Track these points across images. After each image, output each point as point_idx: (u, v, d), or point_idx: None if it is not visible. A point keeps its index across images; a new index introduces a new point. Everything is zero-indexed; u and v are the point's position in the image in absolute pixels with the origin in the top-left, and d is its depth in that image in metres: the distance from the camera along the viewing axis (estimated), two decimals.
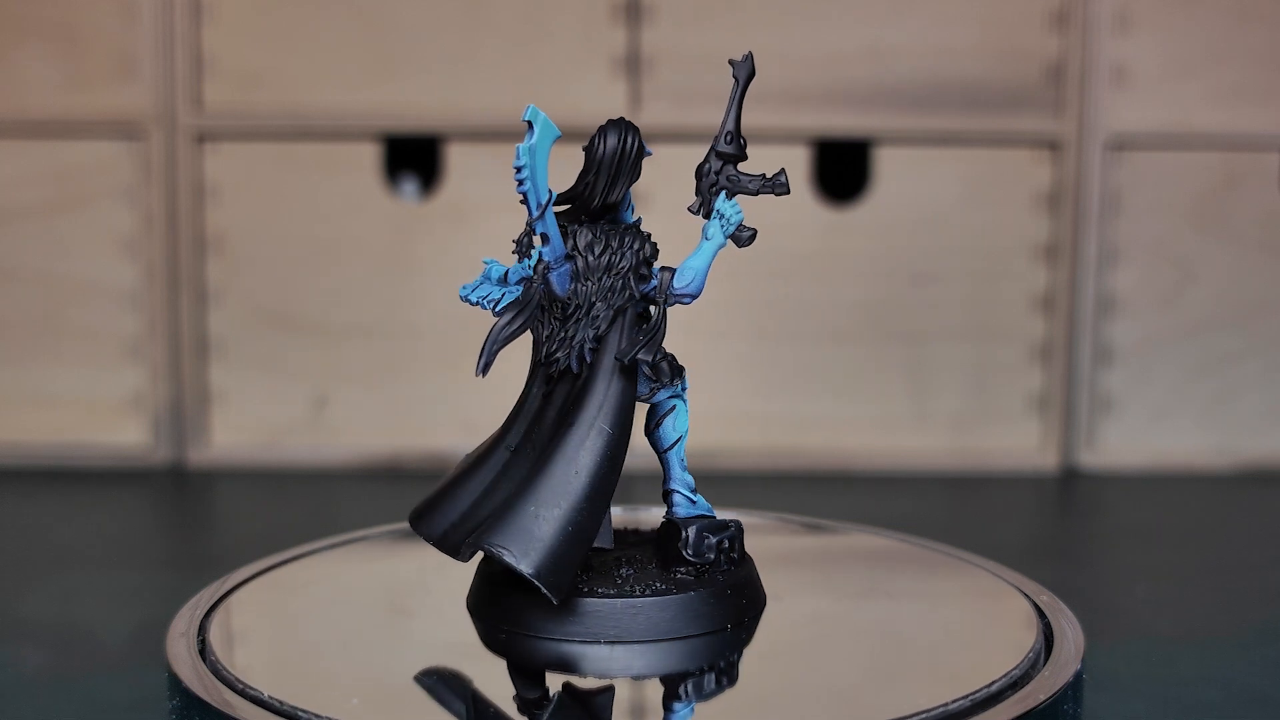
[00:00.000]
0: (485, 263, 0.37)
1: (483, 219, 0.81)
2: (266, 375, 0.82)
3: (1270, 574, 0.63)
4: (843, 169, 0.83)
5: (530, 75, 0.80)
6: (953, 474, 0.81)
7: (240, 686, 0.33)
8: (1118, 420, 0.82)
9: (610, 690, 0.34)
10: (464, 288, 0.37)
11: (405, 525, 0.49)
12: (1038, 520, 0.74)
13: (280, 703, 0.32)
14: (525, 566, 0.34)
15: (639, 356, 0.36)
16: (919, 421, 0.82)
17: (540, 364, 0.37)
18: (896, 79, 0.80)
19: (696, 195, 0.38)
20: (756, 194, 0.38)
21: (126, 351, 0.81)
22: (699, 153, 0.40)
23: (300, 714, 0.32)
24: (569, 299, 0.36)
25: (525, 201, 0.35)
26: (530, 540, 0.34)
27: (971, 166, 0.81)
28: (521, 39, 0.80)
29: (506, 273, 0.37)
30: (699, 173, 0.38)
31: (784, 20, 0.80)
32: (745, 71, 0.38)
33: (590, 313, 0.36)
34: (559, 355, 0.36)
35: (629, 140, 0.36)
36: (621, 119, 0.37)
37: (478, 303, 0.36)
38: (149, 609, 0.55)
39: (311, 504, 0.74)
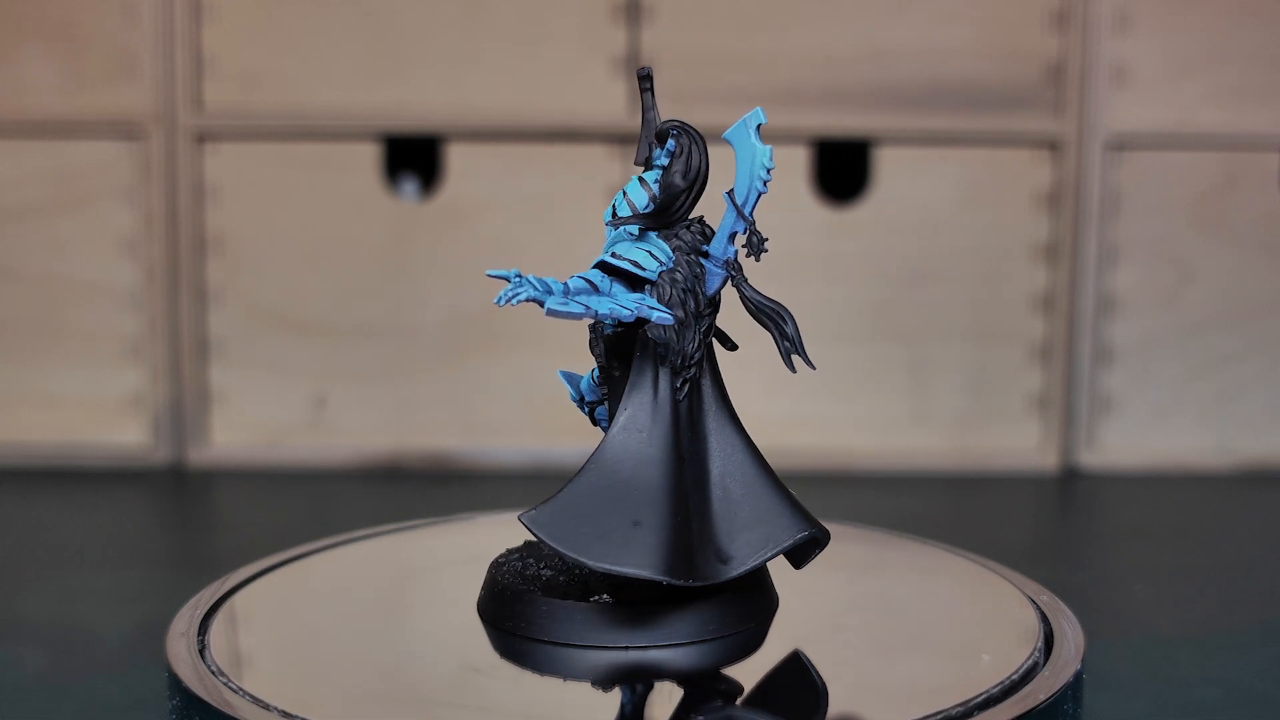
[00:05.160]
0: (580, 280, 0.36)
1: (483, 219, 0.81)
2: (266, 375, 0.82)
3: (1270, 574, 0.63)
4: (843, 169, 0.83)
5: (530, 75, 0.80)
6: (953, 474, 0.81)
7: (240, 687, 0.33)
8: (1118, 420, 0.82)
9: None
10: (570, 302, 0.34)
11: (404, 525, 0.49)
12: (1038, 520, 0.74)
13: (281, 710, 0.32)
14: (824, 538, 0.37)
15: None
16: (919, 421, 0.82)
17: (679, 367, 0.36)
18: (896, 79, 0.80)
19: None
20: None
21: (126, 351, 0.81)
22: None
23: (301, 716, 0.32)
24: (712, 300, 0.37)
25: (749, 203, 0.35)
26: (813, 518, 0.37)
27: (971, 166, 0.81)
28: (521, 39, 0.80)
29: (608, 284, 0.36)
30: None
31: (784, 20, 0.80)
32: (646, 78, 0.38)
33: (716, 314, 0.37)
34: (696, 357, 0.36)
35: (706, 152, 0.36)
36: (692, 128, 0.36)
37: (637, 311, 0.34)
38: (149, 609, 0.55)
39: (311, 504, 0.74)
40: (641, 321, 0.35)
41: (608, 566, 0.34)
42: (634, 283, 0.36)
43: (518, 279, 0.34)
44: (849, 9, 0.80)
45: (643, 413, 0.36)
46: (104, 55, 0.80)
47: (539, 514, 0.35)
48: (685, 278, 0.36)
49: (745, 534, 0.36)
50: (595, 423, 0.39)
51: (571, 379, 0.39)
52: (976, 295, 0.81)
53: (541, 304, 0.33)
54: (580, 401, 0.39)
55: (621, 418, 0.36)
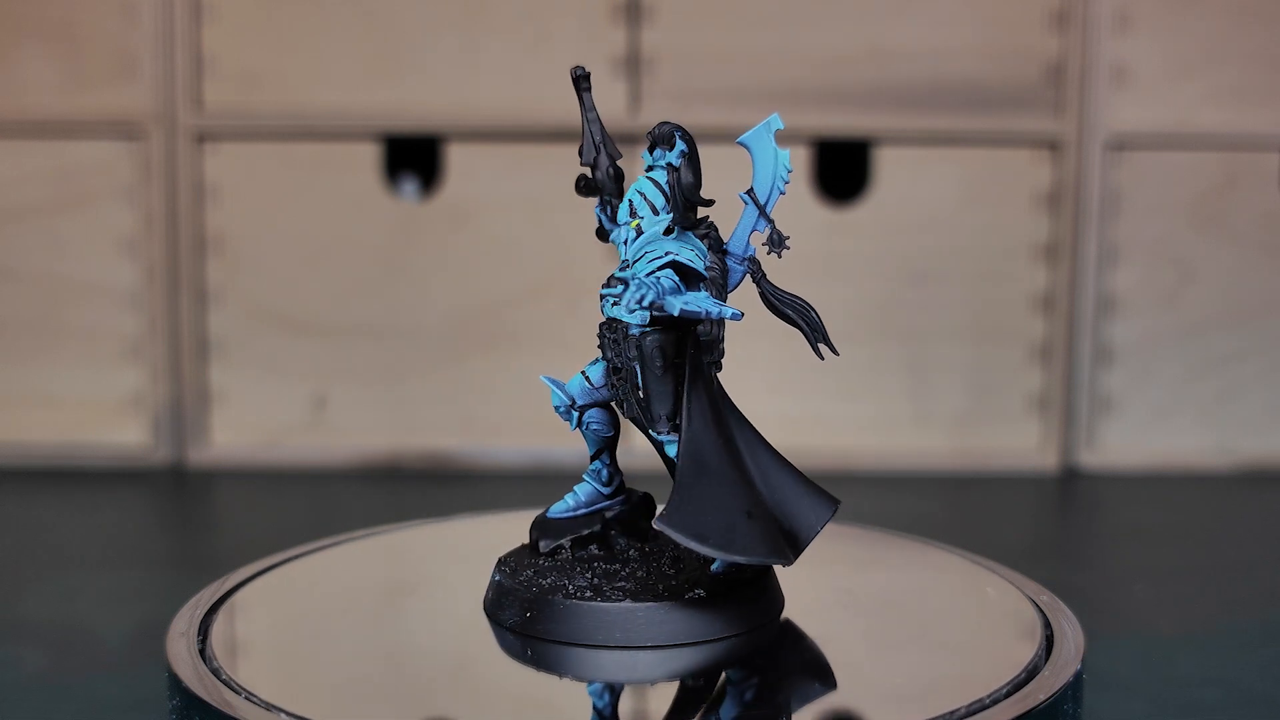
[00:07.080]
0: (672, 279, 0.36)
1: (483, 219, 0.81)
2: (266, 375, 0.82)
3: (1270, 574, 0.63)
4: (843, 169, 0.83)
5: (530, 75, 0.80)
6: (953, 474, 0.81)
7: (240, 686, 0.33)
8: (1118, 420, 0.82)
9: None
10: (692, 302, 0.35)
11: (406, 525, 0.49)
12: (1038, 520, 0.74)
13: (282, 709, 0.32)
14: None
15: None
16: (919, 421, 0.82)
17: (712, 362, 0.38)
18: (896, 79, 0.80)
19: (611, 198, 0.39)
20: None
21: (126, 351, 0.81)
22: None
23: (301, 715, 0.32)
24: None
25: (770, 203, 0.37)
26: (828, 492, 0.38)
27: (971, 166, 0.81)
28: (521, 39, 0.80)
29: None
30: (610, 179, 0.39)
31: (784, 20, 0.80)
32: (583, 78, 0.38)
33: None
34: (723, 353, 0.37)
35: None
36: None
37: (720, 311, 0.35)
38: (149, 609, 0.55)
39: (311, 504, 0.74)
40: (655, 319, 0.35)
41: (752, 558, 0.35)
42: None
43: (636, 281, 0.34)
44: (849, 9, 0.80)
45: (706, 407, 0.37)
46: (104, 55, 0.80)
47: (670, 517, 0.34)
48: (719, 274, 0.37)
49: (796, 514, 0.37)
50: (579, 426, 0.39)
51: (557, 384, 0.39)
52: (976, 295, 0.81)
53: (662, 306, 0.34)
54: (569, 407, 0.39)
55: (693, 414, 0.36)
